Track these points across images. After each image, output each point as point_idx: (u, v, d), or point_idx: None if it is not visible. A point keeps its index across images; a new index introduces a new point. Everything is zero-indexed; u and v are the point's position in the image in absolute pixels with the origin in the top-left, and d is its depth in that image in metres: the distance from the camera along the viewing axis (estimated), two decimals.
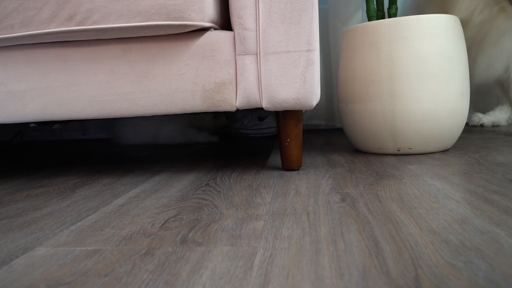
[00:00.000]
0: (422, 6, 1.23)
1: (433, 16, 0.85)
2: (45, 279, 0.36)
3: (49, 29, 0.67)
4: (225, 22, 0.78)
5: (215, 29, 0.72)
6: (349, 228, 0.45)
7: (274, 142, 1.29)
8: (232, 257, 0.38)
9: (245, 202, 0.58)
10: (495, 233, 0.41)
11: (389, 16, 0.97)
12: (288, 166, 0.79)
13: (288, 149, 0.77)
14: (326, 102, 1.59)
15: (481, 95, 1.50)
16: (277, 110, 0.73)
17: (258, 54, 0.70)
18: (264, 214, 0.51)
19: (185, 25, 0.66)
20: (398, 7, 1.12)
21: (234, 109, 0.72)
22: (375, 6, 0.98)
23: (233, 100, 0.71)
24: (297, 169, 0.79)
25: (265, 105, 0.71)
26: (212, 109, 0.72)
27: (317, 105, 1.58)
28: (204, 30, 0.70)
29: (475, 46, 1.21)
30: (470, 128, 1.36)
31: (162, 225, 0.49)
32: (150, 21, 0.65)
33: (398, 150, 0.90)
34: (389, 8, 0.97)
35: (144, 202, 0.61)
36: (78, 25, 0.67)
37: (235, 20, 0.70)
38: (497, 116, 1.39)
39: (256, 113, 1.51)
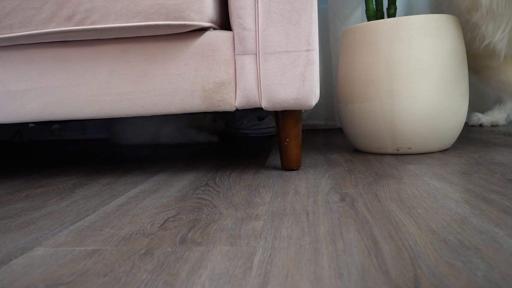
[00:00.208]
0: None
1: (432, 16, 0.85)
2: (44, 279, 0.36)
3: (48, 29, 0.67)
4: (224, 22, 0.78)
5: (214, 29, 0.72)
6: (348, 228, 0.45)
7: (273, 142, 1.29)
8: (231, 257, 0.38)
9: (245, 202, 0.58)
10: (494, 233, 0.41)
11: (388, 16, 0.97)
12: (288, 166, 0.79)
13: (288, 149, 0.77)
14: (325, 102, 1.59)
15: (480, 95, 1.50)
16: (277, 110, 0.73)
17: (258, 54, 0.70)
18: (264, 214, 0.51)
19: (184, 25, 0.66)
20: (398, 7, 1.12)
21: (233, 109, 0.72)
22: (374, 6, 0.98)
23: (233, 100, 0.71)
24: (297, 169, 0.80)
25: (264, 105, 0.71)
26: (211, 109, 0.72)
27: (316, 105, 1.58)
28: (203, 30, 0.70)
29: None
30: (469, 128, 1.36)
31: (161, 225, 0.49)
32: (149, 21, 0.65)
33: (398, 150, 0.90)
34: (388, 8, 0.97)
35: (144, 202, 0.61)
36: (77, 25, 0.67)
37: (234, 20, 0.70)
38: (496, 116, 1.39)
39: (255, 113, 1.51)
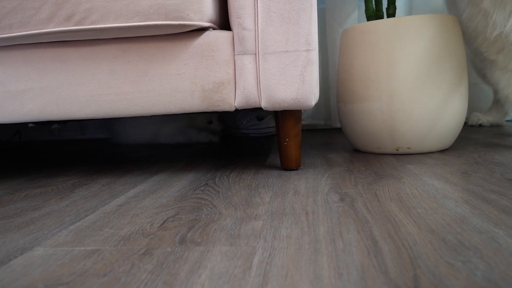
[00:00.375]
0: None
1: (432, 16, 0.85)
2: (43, 279, 0.36)
3: (47, 29, 0.67)
4: (224, 22, 0.78)
5: (214, 29, 0.72)
6: (348, 228, 0.45)
7: (273, 142, 1.29)
8: (231, 257, 0.38)
9: (244, 202, 0.58)
10: (493, 233, 0.41)
11: (388, 16, 0.97)
12: (287, 166, 0.79)
13: (287, 148, 0.77)
14: (325, 102, 1.59)
15: (480, 95, 1.50)
16: (276, 110, 0.73)
17: (257, 54, 0.70)
18: (263, 214, 0.51)
19: (184, 25, 0.66)
20: (398, 7, 1.12)
21: (233, 109, 0.72)
22: (374, 6, 0.98)
23: (232, 100, 0.71)
24: (296, 169, 0.80)
25: (264, 105, 0.71)
26: (211, 109, 0.72)
27: (316, 104, 1.58)
28: (203, 30, 0.70)
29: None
30: (468, 128, 1.36)
31: (161, 225, 0.49)
32: (148, 21, 0.65)
33: (397, 150, 0.90)
34: (388, 8, 0.97)
35: (143, 202, 0.61)
36: (76, 25, 0.67)
37: (234, 20, 0.70)
38: (495, 115, 1.39)
39: (255, 113, 1.51)
